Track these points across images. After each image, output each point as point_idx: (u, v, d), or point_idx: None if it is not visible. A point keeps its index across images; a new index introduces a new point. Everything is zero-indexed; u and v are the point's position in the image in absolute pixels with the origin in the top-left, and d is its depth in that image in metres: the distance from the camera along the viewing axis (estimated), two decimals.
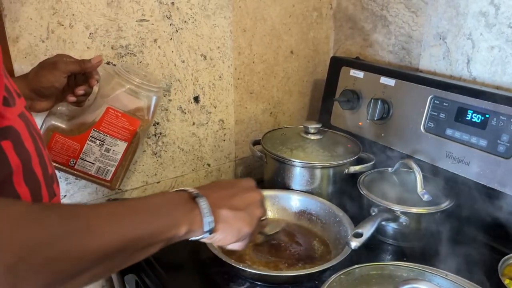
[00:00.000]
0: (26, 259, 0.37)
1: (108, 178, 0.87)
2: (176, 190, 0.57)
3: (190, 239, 0.56)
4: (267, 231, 0.85)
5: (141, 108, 0.86)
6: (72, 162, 0.84)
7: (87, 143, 0.84)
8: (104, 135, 0.84)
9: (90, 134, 0.84)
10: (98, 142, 0.84)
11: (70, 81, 0.80)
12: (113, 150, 0.86)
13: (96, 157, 0.85)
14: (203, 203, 0.55)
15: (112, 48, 0.94)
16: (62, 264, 0.40)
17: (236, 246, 0.62)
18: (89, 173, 0.86)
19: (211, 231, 0.55)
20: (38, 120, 0.83)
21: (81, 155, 0.84)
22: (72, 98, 0.80)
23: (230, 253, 0.83)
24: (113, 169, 0.87)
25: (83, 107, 0.85)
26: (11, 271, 0.36)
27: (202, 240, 0.57)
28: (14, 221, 0.38)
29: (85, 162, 0.85)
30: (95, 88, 0.84)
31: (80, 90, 0.79)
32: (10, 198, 0.43)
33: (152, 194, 0.56)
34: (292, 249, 0.87)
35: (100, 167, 0.86)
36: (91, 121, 0.84)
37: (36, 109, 0.79)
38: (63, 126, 0.83)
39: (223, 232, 0.57)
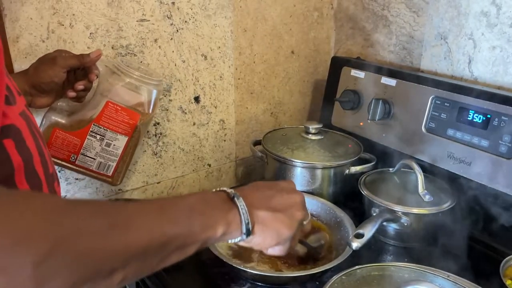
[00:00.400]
0: (55, 254, 0.35)
1: (110, 173, 0.87)
2: (215, 190, 0.55)
3: (228, 241, 0.54)
4: (311, 243, 0.81)
5: (141, 102, 0.85)
6: (73, 158, 0.84)
7: (88, 138, 0.83)
8: (104, 129, 0.84)
9: (90, 129, 0.83)
10: (98, 136, 0.84)
11: (70, 76, 0.79)
12: (114, 145, 0.85)
13: (97, 152, 0.85)
14: (241, 204, 0.53)
15: (112, 48, 0.94)
16: (93, 260, 0.38)
17: (276, 250, 0.59)
18: (90, 168, 0.85)
19: (248, 233, 0.54)
20: (38, 117, 0.83)
21: (81, 150, 0.84)
22: (72, 94, 0.79)
23: (236, 255, 0.83)
24: (114, 164, 0.87)
25: (83, 102, 0.84)
26: (39, 267, 0.34)
27: (241, 243, 0.55)
28: (43, 213, 0.36)
29: (86, 157, 0.84)
30: (95, 83, 0.83)
31: (80, 85, 0.79)
32: (40, 192, 0.40)
33: (190, 193, 0.54)
34: (293, 250, 0.86)
35: (101, 162, 0.85)
36: (91, 115, 0.83)
37: (36, 105, 0.78)
38: (63, 121, 0.83)
39: (261, 234, 0.55)
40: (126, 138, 0.85)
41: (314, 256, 0.82)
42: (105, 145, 0.85)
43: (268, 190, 0.59)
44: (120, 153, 0.86)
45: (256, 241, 0.56)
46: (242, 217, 0.53)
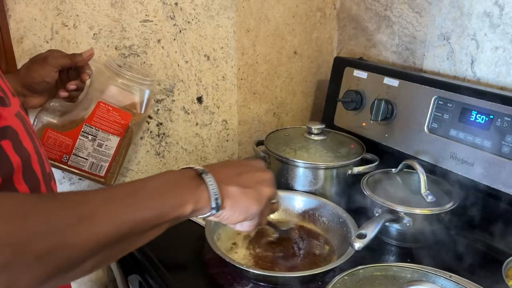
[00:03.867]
0: (21, 255, 0.36)
1: (102, 173, 0.86)
2: (181, 168, 0.55)
3: (197, 217, 0.53)
4: (282, 227, 0.84)
5: (133, 102, 0.85)
6: (65, 158, 0.84)
7: (79, 138, 0.83)
8: (96, 129, 0.83)
9: (82, 129, 0.83)
10: (90, 137, 0.83)
11: (62, 76, 0.79)
12: (106, 145, 0.85)
13: (89, 152, 0.84)
14: (210, 179, 0.53)
15: (116, 48, 0.94)
16: (62, 254, 0.39)
17: (244, 226, 0.60)
18: (83, 169, 0.85)
19: (218, 208, 0.53)
20: (31, 117, 0.83)
21: (73, 150, 0.84)
22: (64, 94, 0.79)
23: (233, 253, 0.83)
24: (106, 165, 0.86)
25: (76, 102, 0.84)
26: (6, 270, 0.35)
27: (209, 218, 0.55)
28: (5, 216, 0.36)
29: (78, 157, 0.84)
30: (88, 83, 0.83)
31: (72, 85, 0.78)
32: (4, 192, 0.40)
33: (157, 174, 0.54)
34: (296, 250, 0.86)
35: (93, 162, 0.85)
36: (82, 116, 0.83)
37: (29, 106, 0.78)
38: (55, 121, 0.83)
39: (230, 209, 0.55)
40: (118, 138, 0.85)
41: (284, 240, 0.86)
42: (97, 146, 0.84)
43: (238, 167, 0.59)
44: (112, 154, 0.86)
45: (225, 216, 0.56)
46: (211, 192, 0.52)
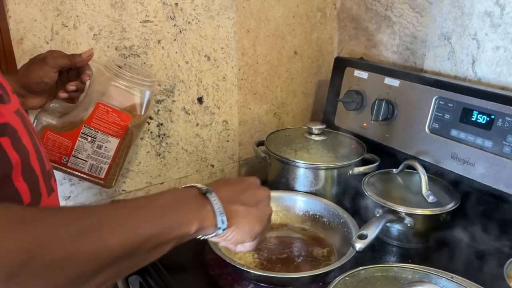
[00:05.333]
0: (27, 266, 0.35)
1: (102, 176, 0.85)
2: (185, 186, 0.55)
3: (201, 237, 0.53)
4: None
5: (133, 103, 0.84)
6: (64, 160, 0.83)
7: (79, 140, 0.82)
8: (95, 131, 0.82)
9: (81, 131, 0.82)
10: (89, 138, 0.83)
11: (62, 77, 0.78)
12: (105, 147, 0.84)
13: (89, 154, 0.83)
14: (214, 199, 0.53)
15: (116, 49, 0.94)
16: (68, 268, 0.38)
17: (246, 247, 0.59)
18: (82, 170, 0.84)
19: (224, 227, 0.53)
20: (31, 118, 0.83)
21: (73, 152, 0.83)
22: (63, 95, 0.78)
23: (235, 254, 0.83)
24: (106, 167, 0.85)
25: (76, 103, 0.83)
26: (11, 280, 0.34)
27: (213, 239, 0.55)
28: (13, 225, 0.36)
29: (78, 159, 0.83)
30: (88, 84, 0.82)
31: (71, 86, 0.77)
32: (6, 202, 0.40)
33: (161, 191, 0.54)
34: (297, 251, 0.86)
35: (93, 164, 0.84)
36: (82, 117, 0.82)
37: (28, 106, 0.77)
38: (54, 122, 0.82)
39: (235, 229, 0.55)
40: (118, 140, 0.84)
41: (285, 241, 0.87)
42: (96, 147, 0.83)
43: (238, 185, 0.59)
44: (112, 155, 0.85)
45: (229, 236, 0.56)
46: (217, 212, 0.52)
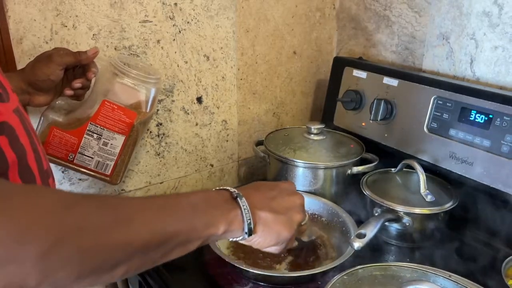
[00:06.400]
0: (60, 247, 0.36)
1: (108, 172, 0.86)
2: (218, 189, 0.57)
3: (229, 239, 0.55)
4: (304, 238, 0.82)
5: (139, 100, 0.84)
6: (71, 157, 0.84)
7: (85, 137, 0.83)
8: (101, 128, 0.83)
9: (87, 128, 0.83)
10: (95, 135, 0.83)
11: (68, 74, 0.79)
12: (111, 144, 0.84)
13: (95, 151, 0.84)
14: (244, 204, 0.54)
15: (115, 49, 0.94)
16: (97, 254, 0.39)
17: (273, 249, 0.61)
18: (89, 167, 0.85)
19: (250, 233, 0.55)
20: (37, 115, 0.83)
21: (79, 149, 0.83)
22: (69, 92, 0.79)
23: (236, 253, 0.83)
24: (112, 163, 0.86)
25: (82, 101, 0.84)
26: (43, 259, 0.35)
27: (241, 242, 0.56)
28: (50, 207, 0.37)
29: (84, 156, 0.84)
30: (93, 82, 0.83)
31: (77, 83, 0.78)
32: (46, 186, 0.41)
33: (193, 191, 0.55)
34: (295, 250, 0.87)
35: (99, 161, 0.85)
36: (88, 114, 0.83)
37: (34, 104, 0.78)
38: (60, 120, 0.83)
39: (262, 235, 0.57)
40: (124, 137, 0.85)
41: (304, 250, 0.85)
42: (102, 144, 0.84)
43: (270, 191, 0.60)
44: (118, 152, 0.85)
45: (256, 241, 0.57)
46: (245, 217, 0.54)
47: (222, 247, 0.82)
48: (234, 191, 0.55)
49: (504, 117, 0.85)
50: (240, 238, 0.55)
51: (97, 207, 0.42)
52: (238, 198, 0.54)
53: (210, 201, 0.54)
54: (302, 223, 0.63)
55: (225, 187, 0.56)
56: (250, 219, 0.54)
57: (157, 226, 0.45)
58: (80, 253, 0.38)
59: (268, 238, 0.57)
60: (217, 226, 0.51)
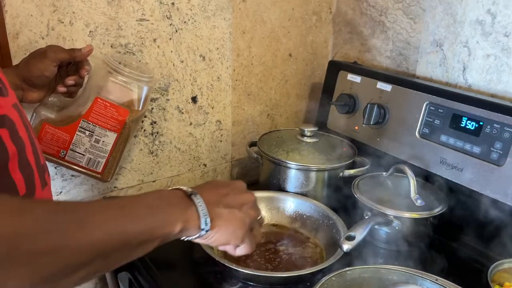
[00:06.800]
0: (10, 256, 0.35)
1: (99, 169, 0.87)
2: (171, 189, 0.57)
3: (185, 238, 0.55)
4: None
5: (131, 98, 0.85)
6: (62, 153, 0.84)
7: (77, 134, 0.83)
8: (93, 125, 0.84)
9: (79, 125, 0.83)
10: (87, 132, 0.84)
11: (62, 71, 0.79)
12: (103, 141, 0.85)
13: (86, 148, 0.84)
14: (199, 201, 0.54)
15: (111, 46, 0.94)
16: (52, 260, 0.38)
17: (243, 250, 0.62)
18: (80, 164, 0.85)
19: (207, 228, 0.55)
20: (30, 112, 0.83)
21: (71, 146, 0.84)
22: (62, 89, 0.79)
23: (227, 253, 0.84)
24: (103, 161, 0.86)
25: (74, 98, 0.84)
26: None
27: (196, 240, 0.56)
28: (1, 213, 0.36)
29: (75, 153, 0.84)
30: (86, 79, 0.83)
31: (70, 80, 0.79)
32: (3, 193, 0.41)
33: (148, 192, 0.55)
34: (285, 250, 0.87)
35: (90, 158, 0.85)
36: (80, 111, 0.83)
37: (27, 100, 0.78)
38: (52, 116, 0.83)
39: (218, 230, 0.57)
40: (115, 135, 0.85)
41: (274, 240, 0.88)
42: (94, 141, 0.84)
43: (223, 188, 0.61)
44: (109, 150, 0.86)
45: (213, 237, 0.57)
46: (201, 213, 0.54)
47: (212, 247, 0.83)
48: (188, 189, 0.55)
49: (494, 125, 0.86)
50: (197, 235, 0.55)
51: (49, 212, 0.40)
52: (193, 195, 0.54)
53: (166, 200, 0.53)
54: (258, 217, 0.64)
55: (178, 187, 0.56)
56: (206, 214, 0.54)
57: (114, 227, 0.45)
58: (32, 260, 0.37)
59: (224, 233, 0.58)
60: (174, 223, 0.51)
